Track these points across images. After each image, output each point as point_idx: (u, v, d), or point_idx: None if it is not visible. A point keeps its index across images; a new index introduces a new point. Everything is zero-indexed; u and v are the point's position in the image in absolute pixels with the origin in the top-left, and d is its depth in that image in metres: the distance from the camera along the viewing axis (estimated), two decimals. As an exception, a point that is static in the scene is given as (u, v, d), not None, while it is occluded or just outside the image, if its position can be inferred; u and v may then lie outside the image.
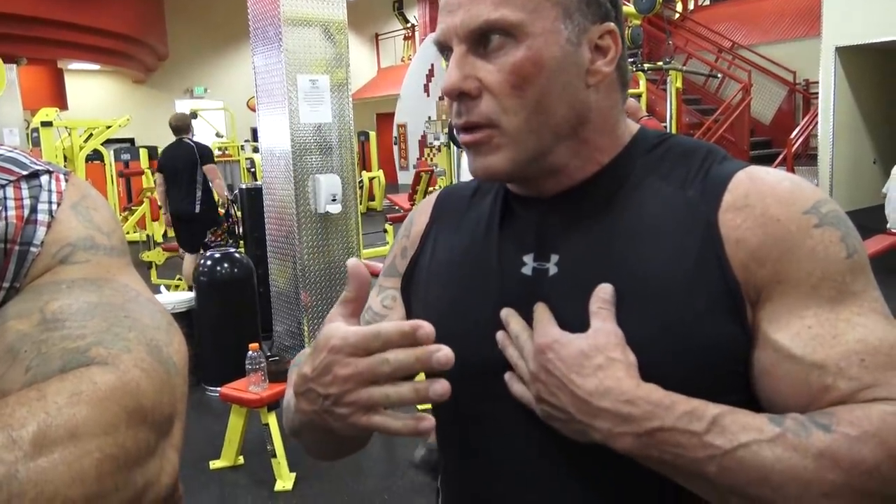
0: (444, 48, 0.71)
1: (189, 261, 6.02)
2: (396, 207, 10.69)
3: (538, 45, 0.67)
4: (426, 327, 0.57)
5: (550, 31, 0.67)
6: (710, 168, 0.70)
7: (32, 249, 0.58)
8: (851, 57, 8.43)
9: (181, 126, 6.05)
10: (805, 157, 9.72)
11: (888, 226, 6.54)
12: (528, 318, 0.72)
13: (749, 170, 0.69)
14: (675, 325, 0.65)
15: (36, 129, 8.42)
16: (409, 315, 0.84)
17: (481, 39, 0.68)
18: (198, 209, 5.92)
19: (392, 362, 0.57)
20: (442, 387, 0.57)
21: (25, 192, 0.59)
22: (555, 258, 0.72)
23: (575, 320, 0.68)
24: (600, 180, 0.73)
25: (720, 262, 0.65)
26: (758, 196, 0.66)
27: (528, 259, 0.74)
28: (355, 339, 0.59)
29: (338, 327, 0.61)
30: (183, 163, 5.89)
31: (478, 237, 0.79)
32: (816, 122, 8.85)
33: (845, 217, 0.67)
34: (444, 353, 0.56)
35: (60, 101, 12.55)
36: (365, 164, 15.11)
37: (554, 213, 0.74)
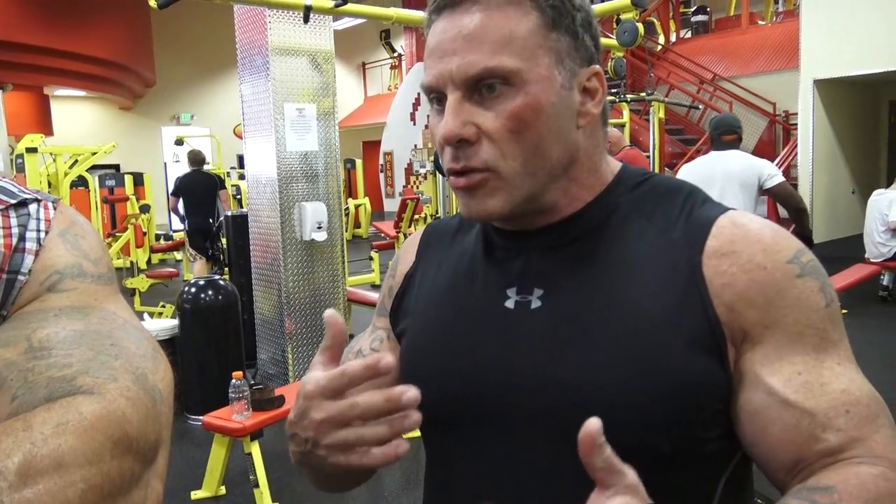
0: (434, 92, 0.71)
1: (200, 265, 7.41)
2: (382, 235, 10.69)
3: (535, 91, 0.68)
4: (387, 358, 0.59)
5: (546, 77, 0.69)
6: (692, 211, 0.72)
7: (20, 278, 0.58)
8: (829, 89, 8.60)
9: (199, 160, 7.60)
10: (786, 187, 9.86)
11: (866, 255, 6.63)
12: (512, 349, 0.73)
13: (731, 215, 0.71)
14: (659, 363, 0.66)
15: (20, 155, 8.39)
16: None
17: (477, 86, 0.68)
18: (215, 224, 7.34)
19: (361, 405, 0.59)
20: (413, 419, 0.59)
21: (14, 221, 0.60)
22: (538, 292, 0.73)
23: (556, 357, 0.70)
24: (584, 216, 0.75)
25: (703, 303, 0.67)
26: (744, 243, 0.68)
27: (511, 293, 0.75)
28: (325, 381, 0.60)
29: (313, 374, 0.62)
30: (204, 188, 7.35)
31: (462, 272, 0.81)
32: (796, 153, 8.99)
33: (821, 267, 0.69)
34: (413, 393, 0.58)
35: (46, 128, 12.50)
36: (351, 192, 15.14)
37: (537, 248, 0.75)
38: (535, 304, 0.73)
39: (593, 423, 0.51)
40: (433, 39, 0.71)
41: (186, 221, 7.47)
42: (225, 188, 7.66)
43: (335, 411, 0.60)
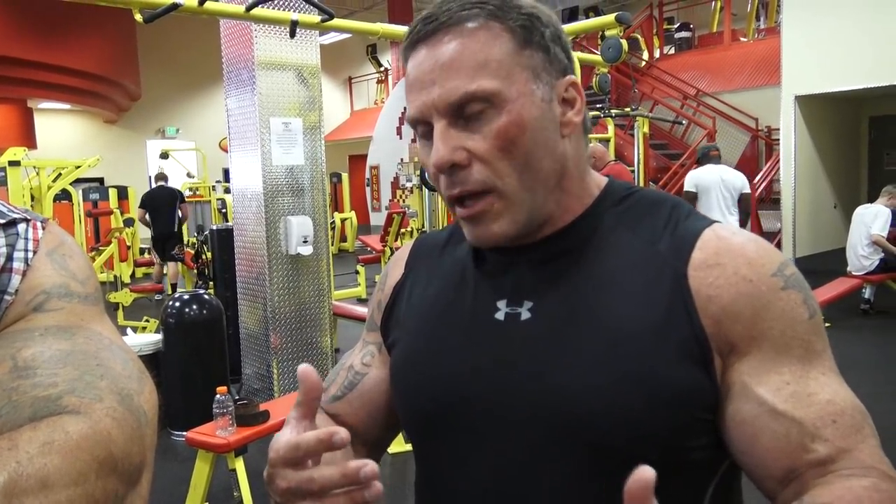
0: (420, 124, 0.73)
1: (159, 267, 9.01)
2: (368, 248, 10.67)
3: (517, 108, 0.70)
4: (341, 433, 0.58)
5: (525, 93, 0.70)
6: (677, 223, 0.74)
7: (6, 297, 0.58)
8: (810, 105, 8.72)
9: (163, 176, 9.19)
10: (769, 202, 9.97)
11: (849, 268, 6.71)
12: (502, 360, 0.74)
13: (715, 228, 0.73)
14: (646, 372, 0.67)
15: (3, 169, 8.32)
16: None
17: (460, 111, 0.70)
18: (175, 231, 8.94)
19: (318, 480, 0.59)
20: (375, 490, 0.58)
21: (2, 241, 0.60)
22: (527, 304, 0.75)
23: (545, 365, 0.71)
24: (573, 229, 0.76)
25: (689, 314, 0.68)
26: (729, 256, 0.70)
27: (501, 304, 0.76)
28: (284, 451, 0.60)
29: (278, 438, 0.62)
30: (166, 201, 8.80)
31: (452, 284, 0.82)
32: (779, 168, 9.09)
33: (803, 279, 0.71)
34: (370, 468, 0.57)
35: (29, 141, 12.41)
36: (337, 206, 15.13)
37: (527, 261, 0.77)
38: (525, 315, 0.74)
39: (647, 473, 0.48)
40: (412, 73, 0.72)
41: (151, 229, 8.85)
42: (185, 202, 9.26)
43: (295, 483, 0.60)
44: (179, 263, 8.75)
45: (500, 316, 0.75)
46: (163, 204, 8.84)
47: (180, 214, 8.93)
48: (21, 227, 0.62)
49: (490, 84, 0.69)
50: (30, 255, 0.61)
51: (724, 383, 0.68)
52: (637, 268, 0.72)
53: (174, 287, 8.87)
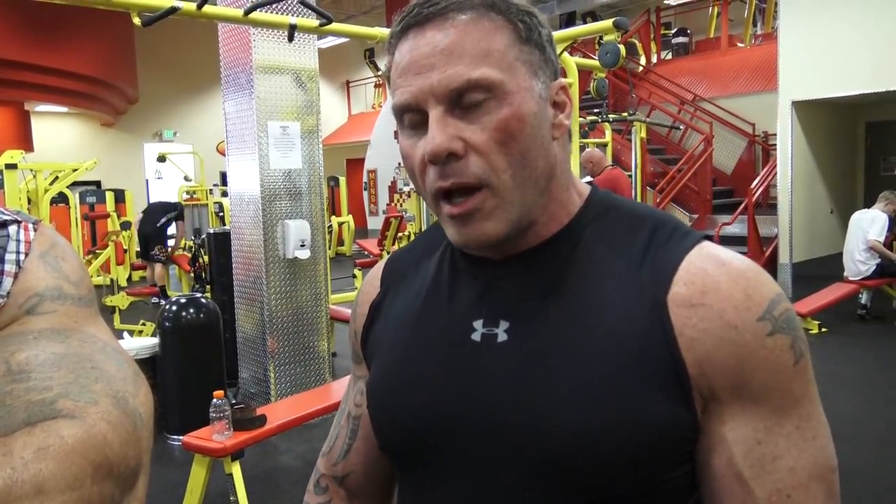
0: (410, 111, 0.69)
1: (150, 268, 9.24)
2: (366, 252, 10.67)
3: (518, 101, 0.67)
4: None
5: (526, 87, 0.68)
6: (659, 246, 0.71)
7: None
8: (807, 110, 8.74)
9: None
10: (765, 206, 9.97)
11: (845, 273, 6.72)
12: (478, 384, 0.72)
13: (701, 254, 0.69)
14: (627, 409, 0.65)
15: (0, 172, 8.31)
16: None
17: (459, 99, 0.66)
18: (158, 233, 9.28)
19: None
20: None
21: None
22: (504, 324, 0.72)
23: (521, 388, 0.69)
24: (554, 243, 0.73)
25: (669, 346, 0.66)
26: (715, 296, 0.66)
27: (477, 325, 0.73)
28: None
29: None
30: (160, 208, 9.59)
31: (428, 301, 0.79)
32: (775, 173, 9.11)
33: (794, 317, 0.68)
34: None
35: (26, 144, 12.38)
36: (335, 209, 15.15)
37: (504, 278, 0.74)
38: (502, 337, 0.72)
39: None
40: (405, 58, 0.68)
41: (139, 232, 9.46)
42: (182, 219, 9.72)
43: None
44: (169, 266, 9.10)
45: (476, 337, 0.73)
46: (155, 210, 9.59)
47: (174, 229, 9.55)
48: (12, 228, 0.61)
49: (493, 73, 0.66)
50: (21, 256, 0.60)
51: (703, 423, 0.67)
52: (617, 292, 0.69)
53: (162, 289, 8.87)
